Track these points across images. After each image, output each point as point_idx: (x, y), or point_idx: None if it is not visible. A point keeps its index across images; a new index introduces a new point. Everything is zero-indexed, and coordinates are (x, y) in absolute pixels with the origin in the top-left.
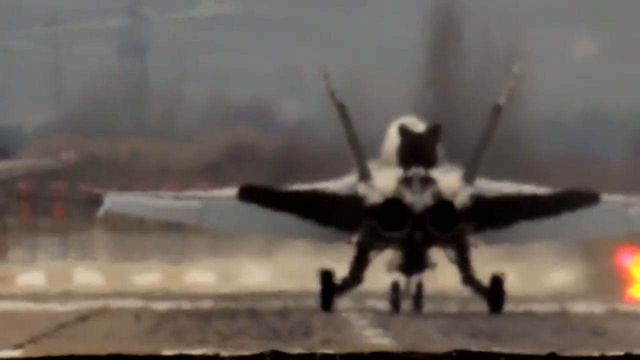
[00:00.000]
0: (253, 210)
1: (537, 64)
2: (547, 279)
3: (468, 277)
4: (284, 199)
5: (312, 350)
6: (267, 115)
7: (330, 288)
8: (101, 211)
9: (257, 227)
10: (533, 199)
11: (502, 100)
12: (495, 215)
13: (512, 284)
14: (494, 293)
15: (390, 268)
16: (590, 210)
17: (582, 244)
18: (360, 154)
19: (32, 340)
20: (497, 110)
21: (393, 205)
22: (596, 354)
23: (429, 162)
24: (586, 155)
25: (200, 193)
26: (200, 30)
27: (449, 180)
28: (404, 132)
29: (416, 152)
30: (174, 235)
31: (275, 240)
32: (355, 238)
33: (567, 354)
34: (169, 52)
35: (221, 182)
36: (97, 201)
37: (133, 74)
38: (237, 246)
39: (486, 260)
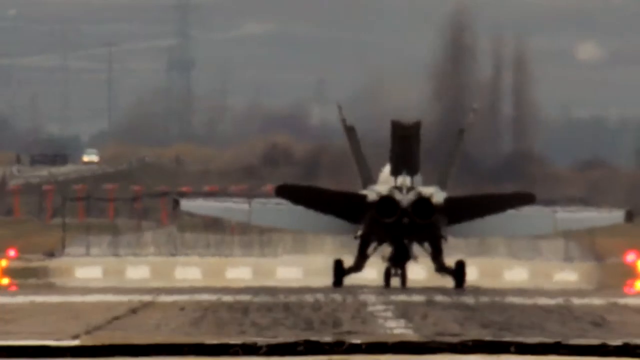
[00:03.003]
0: (286, 211)
1: (544, 70)
2: (563, 276)
3: (440, 266)
4: (310, 194)
5: (341, 340)
6: (299, 122)
7: (340, 272)
8: (178, 211)
9: (288, 224)
10: (489, 197)
11: (465, 126)
12: (462, 210)
13: (531, 281)
14: (459, 273)
15: (384, 259)
16: (527, 213)
17: (593, 247)
18: (364, 168)
19: (88, 331)
20: (461, 133)
21: (387, 201)
22: (598, 343)
23: (413, 149)
24: (595, 162)
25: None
26: (240, 48)
27: (427, 188)
28: (394, 124)
29: (404, 137)
30: (212, 234)
31: (304, 242)
32: (359, 231)
33: (571, 342)
34: (213, 67)
35: (258, 183)
36: (174, 204)
37: (180, 88)
38: (270, 245)
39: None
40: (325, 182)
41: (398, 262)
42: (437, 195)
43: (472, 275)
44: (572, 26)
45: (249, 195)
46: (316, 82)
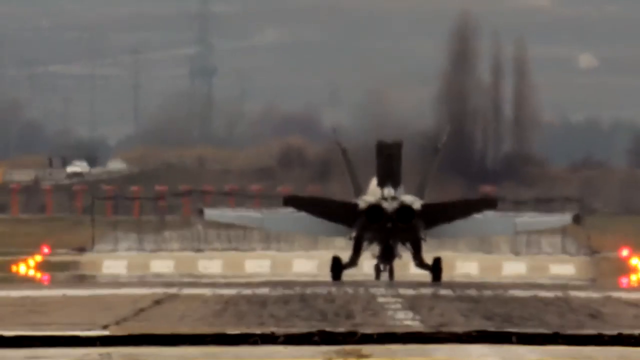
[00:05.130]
0: (292, 217)
1: (543, 76)
2: (560, 270)
3: (420, 262)
4: (311, 203)
5: (354, 330)
6: (312, 124)
7: (338, 267)
8: (203, 218)
9: (294, 228)
10: (459, 203)
11: (440, 145)
12: (436, 215)
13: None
14: (435, 268)
15: (373, 257)
16: (492, 217)
17: (589, 242)
18: (355, 182)
19: (117, 322)
20: (436, 151)
21: (375, 208)
22: (594, 333)
23: (395, 164)
24: (589, 162)
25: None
26: (257, 55)
27: (408, 197)
28: (379, 143)
29: (388, 155)
30: (233, 230)
31: (316, 239)
32: (353, 233)
33: (568, 333)
34: (232, 74)
35: (274, 183)
36: (199, 212)
37: (201, 93)
38: (286, 241)
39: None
40: (336, 182)
41: (385, 259)
42: (416, 203)
43: (474, 269)
44: (569, 35)
45: (266, 195)
46: (328, 87)
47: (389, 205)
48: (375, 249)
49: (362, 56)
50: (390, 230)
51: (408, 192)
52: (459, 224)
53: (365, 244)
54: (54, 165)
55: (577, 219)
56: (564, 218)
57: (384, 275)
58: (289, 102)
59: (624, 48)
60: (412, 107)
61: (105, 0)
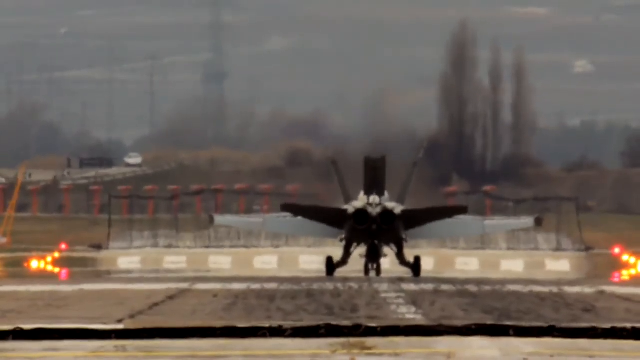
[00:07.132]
0: (289, 221)
1: (540, 82)
2: (555, 266)
3: (402, 260)
4: (306, 209)
5: (358, 324)
6: (318, 127)
7: (331, 265)
8: (213, 224)
9: (292, 230)
10: (434, 209)
11: (418, 158)
12: (415, 219)
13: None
14: (415, 265)
15: (362, 256)
16: (464, 220)
17: (581, 240)
18: (345, 190)
19: (131, 316)
20: (414, 165)
21: (361, 213)
22: (588, 326)
23: (380, 176)
24: (584, 163)
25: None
26: (267, 61)
27: (390, 203)
28: (367, 159)
29: (374, 168)
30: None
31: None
32: (343, 235)
33: (564, 326)
34: (243, 79)
35: (282, 183)
36: (210, 219)
37: (214, 98)
38: (293, 237)
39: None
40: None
41: (372, 258)
42: (397, 208)
43: (473, 266)
44: (566, 42)
45: (274, 193)
46: (334, 92)
47: (373, 210)
48: (364, 249)
49: (366, 63)
50: (375, 232)
51: (391, 199)
52: (437, 226)
53: (354, 245)
54: (73, 166)
55: (538, 222)
56: (528, 221)
57: (372, 273)
58: (297, 106)
59: (618, 55)
60: (415, 111)
61: (122, 9)
